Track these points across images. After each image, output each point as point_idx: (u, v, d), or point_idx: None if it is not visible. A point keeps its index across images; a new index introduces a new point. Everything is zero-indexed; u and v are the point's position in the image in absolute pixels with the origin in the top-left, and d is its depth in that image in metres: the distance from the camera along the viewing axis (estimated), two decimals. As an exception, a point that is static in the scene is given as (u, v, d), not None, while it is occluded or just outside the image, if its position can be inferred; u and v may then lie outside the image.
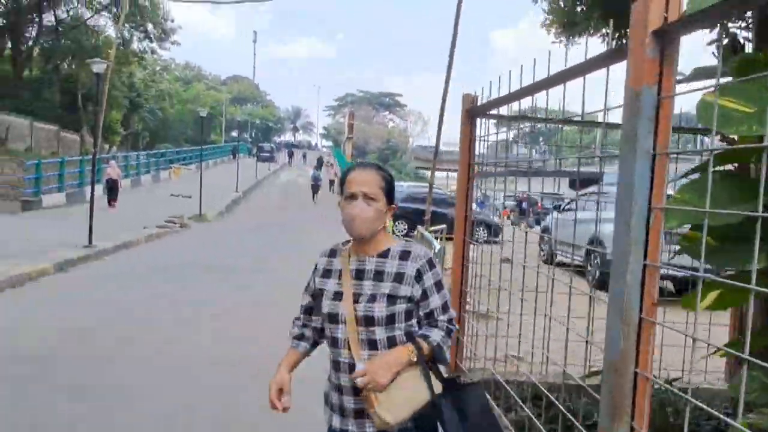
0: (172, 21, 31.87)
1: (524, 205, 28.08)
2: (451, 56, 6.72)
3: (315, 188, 26.34)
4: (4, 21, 32.49)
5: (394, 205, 1.73)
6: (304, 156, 55.31)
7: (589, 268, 9.69)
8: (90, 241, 9.38)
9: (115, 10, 31.54)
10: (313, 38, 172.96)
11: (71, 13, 33.55)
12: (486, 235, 18.13)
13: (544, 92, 2.76)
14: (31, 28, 33.13)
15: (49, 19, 33.61)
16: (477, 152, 3.70)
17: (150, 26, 30.95)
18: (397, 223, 17.62)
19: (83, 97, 34.89)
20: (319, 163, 38.80)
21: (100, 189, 21.69)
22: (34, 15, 32.53)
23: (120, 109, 38.20)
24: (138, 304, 6.24)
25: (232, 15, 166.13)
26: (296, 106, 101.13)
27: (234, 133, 67.88)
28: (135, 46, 32.79)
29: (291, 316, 1.87)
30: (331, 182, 30.17)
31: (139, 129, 45.04)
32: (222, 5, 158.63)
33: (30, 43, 33.12)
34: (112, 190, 19.24)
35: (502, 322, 3.04)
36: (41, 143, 30.56)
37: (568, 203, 11.84)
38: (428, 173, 71.18)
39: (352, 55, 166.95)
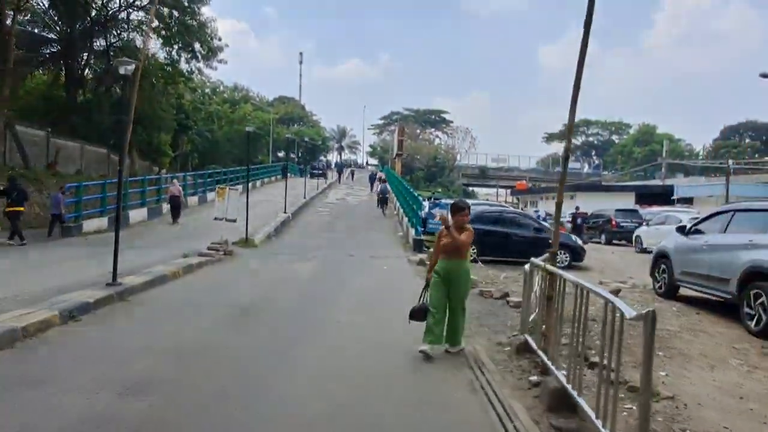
0: (219, 39, 31.18)
1: (579, 221, 25.36)
2: (578, 78, 4.73)
3: (383, 201, 27.56)
4: (59, 47, 32.75)
5: None
6: (352, 174, 55.20)
7: (747, 309, 7.28)
8: (114, 278, 7.76)
9: (164, 33, 31.24)
10: (358, 60, 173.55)
11: (122, 36, 33.50)
12: (568, 259, 15.74)
13: None
14: (84, 54, 33.25)
15: (100, 43, 33.70)
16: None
17: (197, 45, 30.31)
18: (464, 247, 15.50)
19: (133, 120, 34.75)
20: (371, 179, 39.00)
21: (142, 213, 20.68)
22: (87, 41, 32.61)
23: (169, 131, 37.94)
24: (159, 382, 4.42)
25: (278, 40, 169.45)
26: (341, 125, 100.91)
27: (281, 154, 67.55)
28: (183, 66, 32.28)
29: None
30: None
31: (188, 150, 44.85)
32: (267, 32, 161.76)
33: (82, 67, 33.20)
34: (174, 207, 20.46)
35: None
36: (91, 166, 30.36)
37: (699, 222, 9.42)
38: (477, 190, 68.70)
39: (397, 77, 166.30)
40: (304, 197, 29.21)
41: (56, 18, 32.62)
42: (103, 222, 17.62)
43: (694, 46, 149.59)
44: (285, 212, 22.34)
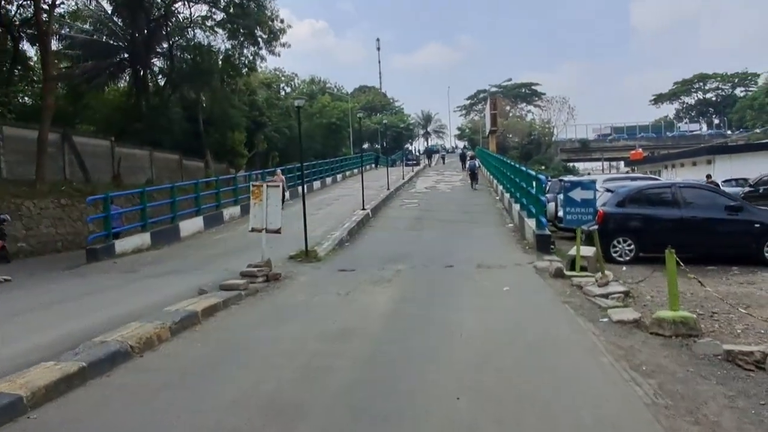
0: (281, 22, 27.80)
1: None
2: None
3: (473, 176, 28.41)
4: (127, 54, 31.19)
5: None
6: (443, 158, 51.40)
7: None
8: None
9: (229, 26, 28.46)
10: (438, 44, 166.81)
11: (184, 34, 31.25)
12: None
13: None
14: (147, 57, 31.36)
15: (162, 46, 31.79)
16: None
17: (257, 30, 27.11)
18: (615, 243, 10.38)
19: (204, 122, 32.53)
20: (462, 158, 39.94)
21: (196, 222, 17.38)
22: (150, 43, 30.69)
23: (242, 130, 35.48)
24: None
25: (355, 34, 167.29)
26: (426, 111, 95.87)
27: (365, 145, 64.08)
28: (247, 56, 29.29)
29: None
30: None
31: (265, 148, 42.39)
32: (345, 28, 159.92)
33: (147, 71, 31.39)
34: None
35: None
36: (163, 173, 28.16)
37: None
38: (577, 165, 62.62)
39: (480, 57, 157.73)
40: (388, 188, 25.07)
41: (120, 24, 30.97)
42: (144, 239, 14.50)
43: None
44: (363, 209, 18.28)
